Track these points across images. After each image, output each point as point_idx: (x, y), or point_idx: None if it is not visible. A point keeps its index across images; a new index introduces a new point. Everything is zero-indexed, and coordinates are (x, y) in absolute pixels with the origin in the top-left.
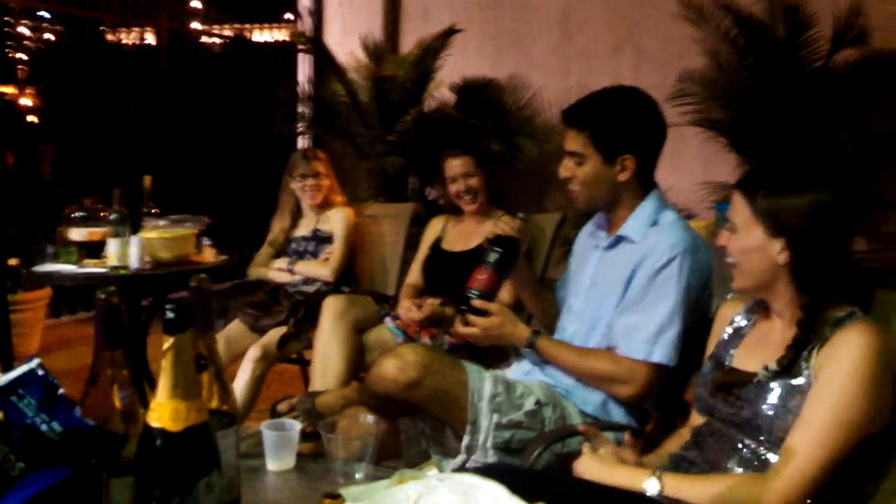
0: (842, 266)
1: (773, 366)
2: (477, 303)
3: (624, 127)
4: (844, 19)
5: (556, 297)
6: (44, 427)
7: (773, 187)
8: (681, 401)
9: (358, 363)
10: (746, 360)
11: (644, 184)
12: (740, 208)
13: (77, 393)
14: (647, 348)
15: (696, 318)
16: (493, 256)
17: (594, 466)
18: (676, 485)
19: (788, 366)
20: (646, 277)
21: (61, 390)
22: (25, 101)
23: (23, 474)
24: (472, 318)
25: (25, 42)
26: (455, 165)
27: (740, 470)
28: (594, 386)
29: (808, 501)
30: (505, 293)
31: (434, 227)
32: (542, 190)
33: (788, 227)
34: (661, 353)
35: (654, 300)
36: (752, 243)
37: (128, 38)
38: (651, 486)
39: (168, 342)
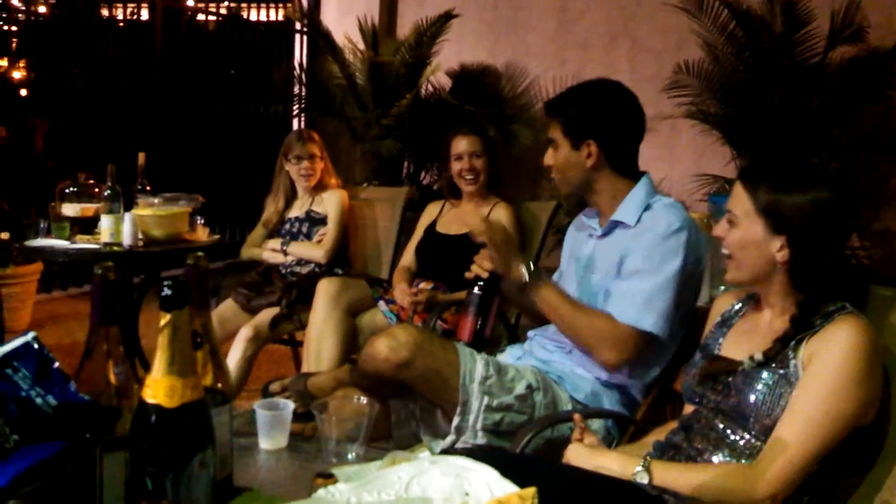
0: (838, 265)
1: (758, 356)
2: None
3: (586, 114)
4: (841, 16)
5: None
6: (38, 400)
7: (778, 182)
8: (670, 390)
9: (351, 346)
10: (734, 348)
11: (623, 171)
12: (742, 200)
13: (68, 368)
14: (636, 315)
15: (689, 301)
16: (473, 298)
17: (584, 453)
18: (665, 473)
19: (773, 358)
20: (642, 251)
21: (56, 364)
22: (17, 74)
23: (17, 447)
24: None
25: (18, 14)
26: (463, 143)
27: (726, 458)
28: (582, 344)
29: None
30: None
31: (430, 212)
32: (536, 178)
33: (790, 225)
34: (652, 321)
35: (648, 271)
36: (751, 237)
37: (122, 13)
38: (640, 475)
39: (165, 319)
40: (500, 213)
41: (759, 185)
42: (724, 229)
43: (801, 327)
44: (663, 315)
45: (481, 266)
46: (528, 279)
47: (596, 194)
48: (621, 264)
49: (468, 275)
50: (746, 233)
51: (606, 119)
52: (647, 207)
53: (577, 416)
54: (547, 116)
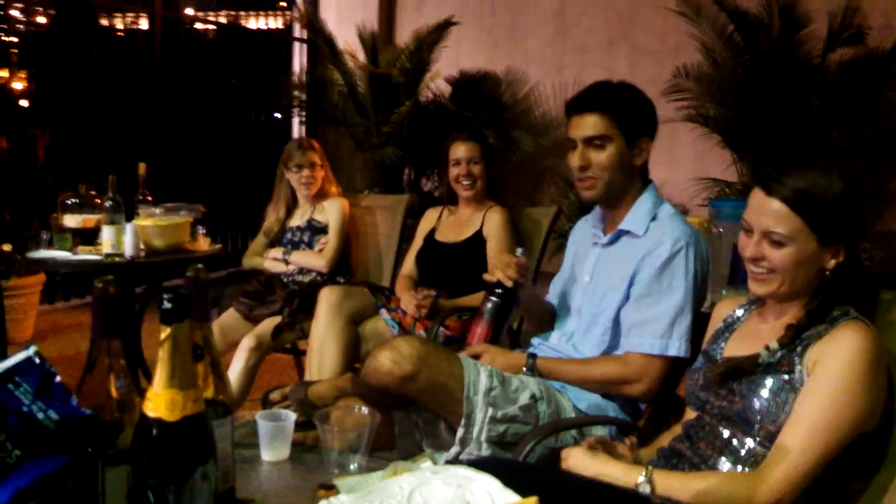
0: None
1: (773, 345)
2: (464, 354)
3: (642, 110)
4: (840, 18)
5: (551, 295)
6: (40, 415)
7: (820, 192)
8: (674, 396)
9: (353, 354)
10: (738, 351)
11: (645, 174)
12: (785, 218)
13: (71, 380)
14: (662, 343)
15: (697, 309)
16: (490, 305)
17: (586, 460)
18: (667, 481)
19: (789, 344)
20: (652, 272)
21: (58, 378)
22: (17, 85)
23: (19, 462)
24: None
25: (18, 25)
26: (461, 149)
27: (730, 464)
28: (604, 391)
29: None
30: None
31: (429, 218)
32: (536, 183)
33: (847, 232)
34: (677, 345)
35: (662, 294)
36: (808, 254)
37: (121, 23)
38: (642, 484)
39: (165, 332)
40: (494, 217)
41: (803, 199)
42: (765, 250)
43: (816, 320)
44: (684, 335)
45: (505, 273)
46: (525, 366)
47: (625, 197)
48: (632, 281)
49: (488, 277)
50: (801, 251)
51: (653, 117)
52: (654, 217)
53: (630, 439)
54: (586, 112)
